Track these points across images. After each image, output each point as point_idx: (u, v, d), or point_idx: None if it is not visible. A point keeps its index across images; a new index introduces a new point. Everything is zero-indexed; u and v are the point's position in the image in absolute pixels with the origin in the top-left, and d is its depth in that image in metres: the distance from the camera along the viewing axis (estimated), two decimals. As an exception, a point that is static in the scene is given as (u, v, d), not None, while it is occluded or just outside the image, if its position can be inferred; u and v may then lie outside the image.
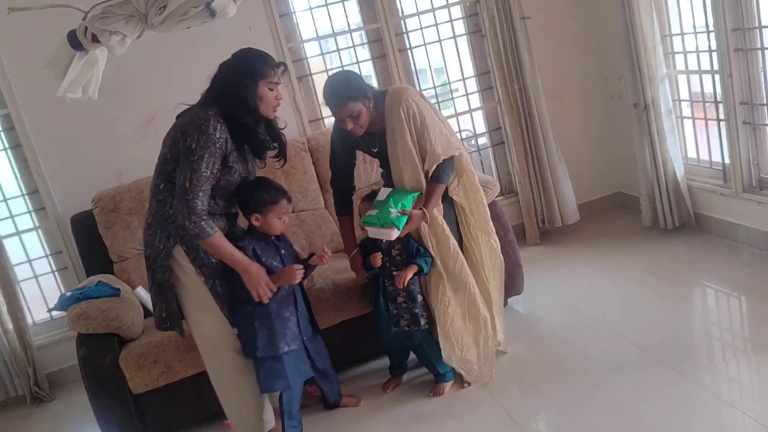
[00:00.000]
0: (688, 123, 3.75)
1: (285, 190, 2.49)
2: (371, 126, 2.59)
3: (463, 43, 4.11)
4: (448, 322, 2.64)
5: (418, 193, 2.59)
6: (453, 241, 2.63)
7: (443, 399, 2.72)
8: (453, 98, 4.19)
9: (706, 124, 3.62)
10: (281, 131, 2.52)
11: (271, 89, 2.34)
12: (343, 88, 2.51)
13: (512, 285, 3.21)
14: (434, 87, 4.22)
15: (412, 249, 2.65)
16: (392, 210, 2.49)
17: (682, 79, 3.72)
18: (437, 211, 2.63)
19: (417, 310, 2.66)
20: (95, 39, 1.99)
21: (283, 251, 2.49)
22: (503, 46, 3.85)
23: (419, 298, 2.68)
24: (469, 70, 4.14)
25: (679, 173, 3.67)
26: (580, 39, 4.14)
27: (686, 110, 3.74)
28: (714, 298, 3.21)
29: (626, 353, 2.72)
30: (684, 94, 3.74)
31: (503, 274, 2.89)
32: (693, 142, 3.76)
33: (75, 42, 2.06)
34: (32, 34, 3.23)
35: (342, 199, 2.85)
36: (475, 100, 4.17)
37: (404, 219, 2.52)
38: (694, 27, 3.48)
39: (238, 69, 2.31)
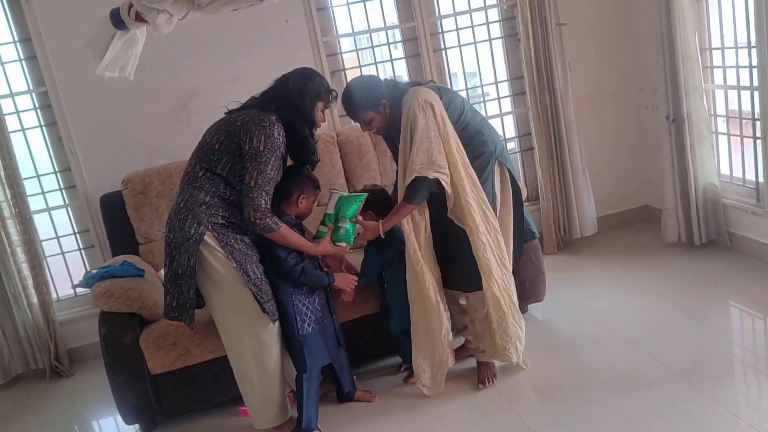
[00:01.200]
0: (722, 139, 3.69)
1: (317, 180, 2.67)
2: (397, 122, 2.61)
3: (498, 46, 4.09)
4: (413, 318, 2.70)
5: (365, 195, 2.64)
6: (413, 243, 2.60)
7: (458, 401, 2.71)
8: (484, 101, 4.17)
9: (742, 141, 3.56)
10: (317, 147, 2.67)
11: (321, 111, 2.54)
12: (355, 99, 2.60)
13: (534, 292, 3.19)
14: (466, 89, 4.20)
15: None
16: (341, 225, 2.55)
17: (719, 94, 3.66)
18: (419, 215, 2.61)
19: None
20: (138, 18, 2.02)
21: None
22: (536, 52, 3.83)
23: None
24: (503, 73, 4.12)
25: (712, 189, 3.61)
26: (617, 47, 4.09)
27: (722, 126, 3.68)
28: (739, 317, 3.16)
29: (645, 367, 2.68)
30: (720, 110, 3.68)
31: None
32: (727, 158, 3.70)
33: (117, 20, 2.09)
34: (73, 12, 3.29)
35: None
36: (507, 105, 4.15)
37: (351, 229, 2.56)
38: (736, 42, 3.42)
39: (303, 86, 2.47)
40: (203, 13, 2.03)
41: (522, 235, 2.85)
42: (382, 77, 2.75)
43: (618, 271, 3.68)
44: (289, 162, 2.61)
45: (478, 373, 2.80)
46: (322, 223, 2.61)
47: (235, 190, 2.41)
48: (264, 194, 2.34)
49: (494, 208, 2.66)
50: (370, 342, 2.99)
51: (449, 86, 3.92)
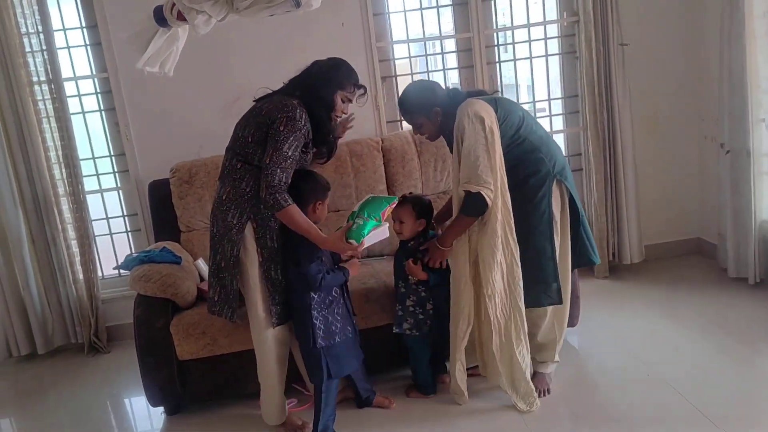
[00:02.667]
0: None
1: (329, 184, 2.63)
2: (450, 130, 2.58)
3: (554, 63, 4.01)
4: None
5: (395, 198, 2.59)
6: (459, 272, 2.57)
7: (478, 422, 2.65)
8: (536, 118, 4.08)
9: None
10: (336, 138, 2.66)
11: (343, 101, 2.52)
12: (408, 102, 2.62)
13: (568, 316, 3.10)
14: (519, 103, 4.13)
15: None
16: (357, 221, 2.43)
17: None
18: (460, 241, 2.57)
19: (422, 317, 2.71)
20: (180, 17, 2.08)
21: None
22: (597, 71, 3.73)
23: (428, 305, 2.71)
24: (557, 91, 4.04)
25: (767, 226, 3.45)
26: (681, 73, 3.95)
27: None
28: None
29: (675, 407, 2.57)
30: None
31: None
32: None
33: (160, 17, 2.15)
34: (138, 3, 3.40)
35: None
36: (558, 123, 4.07)
37: (367, 227, 2.40)
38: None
39: (327, 72, 2.49)
40: (241, 16, 2.07)
41: (575, 255, 2.75)
42: (444, 85, 2.71)
43: (662, 303, 3.54)
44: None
45: (532, 381, 2.78)
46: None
47: None
48: (278, 171, 2.32)
49: (552, 231, 2.58)
50: (387, 352, 2.96)
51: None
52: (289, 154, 2.34)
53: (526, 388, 2.65)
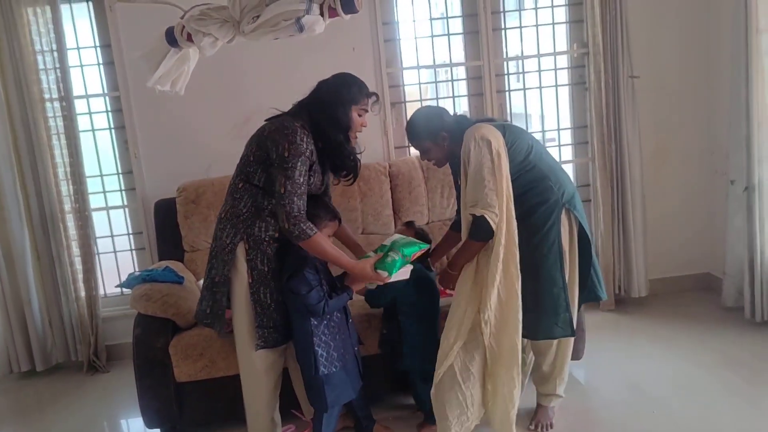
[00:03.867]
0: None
1: (338, 213, 2.57)
2: (458, 156, 2.55)
3: (564, 93, 4.01)
4: None
5: (426, 246, 2.58)
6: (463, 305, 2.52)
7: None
8: (545, 146, 4.08)
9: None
10: (358, 154, 2.59)
11: (360, 115, 2.47)
12: (415, 127, 2.62)
13: (573, 349, 3.04)
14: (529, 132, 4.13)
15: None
16: (391, 255, 2.45)
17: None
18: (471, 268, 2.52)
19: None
20: (190, 38, 2.10)
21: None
22: (606, 103, 3.73)
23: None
24: (566, 121, 4.04)
25: (774, 263, 3.41)
26: (691, 106, 3.94)
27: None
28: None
29: (681, 447, 2.52)
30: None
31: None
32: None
33: (171, 38, 2.19)
34: (151, 24, 3.43)
35: (459, 216, 2.78)
36: (567, 153, 4.06)
37: (398, 263, 2.44)
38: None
39: (336, 90, 2.45)
40: (247, 39, 2.09)
41: (584, 290, 2.69)
42: (453, 112, 2.71)
43: (669, 338, 3.49)
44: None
45: (534, 414, 2.78)
46: (374, 251, 2.56)
47: (273, 200, 2.40)
48: (296, 200, 2.30)
49: (563, 261, 2.54)
50: (384, 379, 2.93)
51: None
52: (301, 180, 2.33)
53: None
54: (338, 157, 2.49)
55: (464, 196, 2.50)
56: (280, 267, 2.44)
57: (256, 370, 2.50)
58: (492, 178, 2.40)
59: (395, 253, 2.46)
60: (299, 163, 2.31)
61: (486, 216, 2.39)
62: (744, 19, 3.31)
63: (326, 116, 2.41)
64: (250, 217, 2.41)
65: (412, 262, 2.53)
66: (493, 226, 2.41)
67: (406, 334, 2.68)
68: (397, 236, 2.59)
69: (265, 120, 2.53)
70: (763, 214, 3.39)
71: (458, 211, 2.78)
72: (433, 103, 4.00)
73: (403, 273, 2.49)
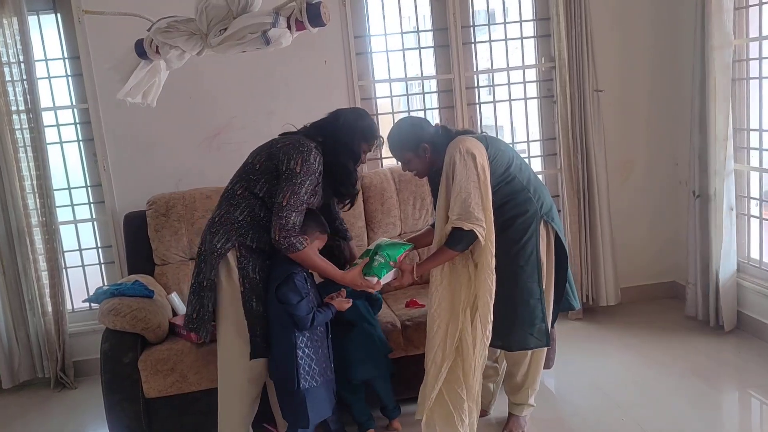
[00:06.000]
0: (755, 222, 3.58)
1: (327, 227, 2.57)
2: (439, 167, 2.58)
3: (533, 106, 4.09)
4: None
5: (410, 246, 2.62)
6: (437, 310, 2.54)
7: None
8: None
9: (773, 226, 3.45)
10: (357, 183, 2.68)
11: (364, 152, 2.60)
12: (397, 138, 2.62)
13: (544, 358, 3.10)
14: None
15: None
16: (377, 259, 2.51)
17: (754, 176, 3.57)
18: (441, 272, 2.54)
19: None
20: (159, 51, 2.10)
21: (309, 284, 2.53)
22: (572, 116, 3.81)
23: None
24: (535, 133, 4.11)
25: (729, 272, 3.51)
26: (655, 119, 4.04)
27: (754, 209, 3.58)
28: (758, 411, 3.00)
29: (649, 453, 2.56)
30: (755, 192, 3.57)
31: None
32: (757, 242, 3.58)
33: (141, 51, 2.18)
34: (120, 37, 3.40)
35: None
36: (536, 165, 4.12)
37: (386, 267, 2.50)
38: (774, 125, 3.35)
39: (354, 124, 2.55)
40: (214, 52, 2.10)
41: (560, 302, 2.73)
42: (434, 123, 2.72)
43: (637, 346, 3.55)
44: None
45: (507, 423, 2.82)
46: (360, 257, 2.59)
47: (270, 213, 2.41)
48: (294, 215, 2.34)
49: (540, 272, 2.57)
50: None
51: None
52: (305, 198, 2.38)
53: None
54: (343, 184, 2.57)
55: (442, 206, 2.51)
56: (268, 276, 2.45)
57: (239, 380, 2.48)
58: (477, 192, 2.42)
59: (381, 257, 2.50)
60: (308, 182, 2.37)
61: (475, 230, 2.41)
62: (701, 35, 3.42)
63: (342, 144, 2.51)
64: (245, 226, 2.42)
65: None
66: (482, 240, 2.43)
67: (359, 345, 2.68)
68: (381, 239, 2.63)
69: (279, 135, 2.57)
70: (718, 224, 3.49)
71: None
72: (405, 116, 4.04)
73: (390, 276, 2.53)
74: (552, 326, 2.73)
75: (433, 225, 2.76)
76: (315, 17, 2.01)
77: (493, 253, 2.46)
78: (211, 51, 2.09)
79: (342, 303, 2.54)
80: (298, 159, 2.37)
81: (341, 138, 2.50)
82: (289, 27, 2.03)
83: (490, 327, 2.48)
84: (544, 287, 2.59)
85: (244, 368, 2.47)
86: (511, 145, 2.82)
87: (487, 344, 2.51)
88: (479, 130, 3.99)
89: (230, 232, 2.42)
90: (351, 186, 2.59)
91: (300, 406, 2.42)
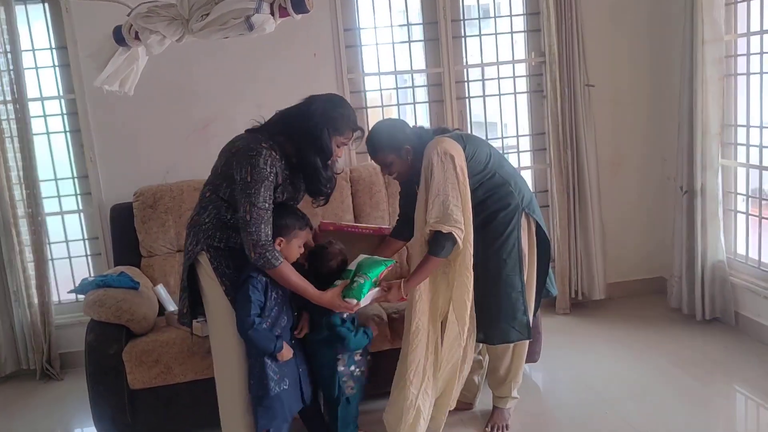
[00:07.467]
0: (742, 218, 3.60)
1: (309, 220, 2.50)
2: (418, 169, 2.54)
3: (523, 100, 4.08)
4: None
5: (392, 262, 2.56)
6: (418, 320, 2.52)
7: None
8: (504, 153, 4.14)
9: (760, 222, 3.46)
10: (335, 175, 2.53)
11: (338, 146, 2.40)
12: (378, 140, 2.53)
13: (529, 352, 3.09)
14: (486, 139, 4.19)
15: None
16: (357, 280, 2.39)
17: (741, 172, 3.58)
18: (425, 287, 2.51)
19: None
20: (138, 37, 2.08)
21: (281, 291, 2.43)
22: (562, 111, 3.81)
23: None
24: (525, 128, 4.11)
25: (720, 266, 3.53)
26: (645, 115, 4.05)
27: (741, 205, 3.59)
28: (743, 405, 3.02)
29: (633, 446, 2.58)
30: (741, 188, 3.59)
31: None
32: (744, 238, 3.59)
33: (119, 37, 2.16)
34: (108, 26, 3.40)
35: (399, 223, 2.81)
36: (526, 159, 4.12)
37: (366, 287, 2.39)
38: (761, 121, 3.36)
39: (324, 113, 2.35)
40: (196, 37, 2.07)
41: (542, 292, 2.75)
42: (410, 123, 2.67)
43: (623, 340, 3.56)
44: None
45: (491, 416, 2.82)
46: (339, 277, 2.46)
47: (236, 213, 2.34)
48: (262, 227, 2.24)
49: (522, 265, 2.57)
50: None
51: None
52: (267, 206, 2.25)
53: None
54: (312, 182, 2.42)
55: (421, 210, 2.48)
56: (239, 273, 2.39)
57: (236, 376, 2.42)
58: (456, 194, 2.40)
59: (361, 277, 2.40)
60: (262, 189, 2.24)
61: (453, 233, 2.38)
62: (690, 30, 3.42)
63: (308, 137, 2.33)
64: (212, 228, 2.38)
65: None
66: (460, 243, 2.42)
67: (325, 365, 2.57)
68: (361, 257, 2.52)
69: (245, 130, 2.44)
70: (705, 219, 3.50)
71: (398, 220, 2.81)
72: (395, 109, 4.03)
73: (373, 295, 2.44)
74: (535, 315, 2.75)
75: (393, 233, 2.78)
76: (299, 3, 1.98)
77: (472, 253, 2.46)
78: (192, 37, 2.06)
79: (284, 354, 2.36)
80: (248, 167, 2.23)
81: (310, 131, 2.32)
82: (272, 13, 2.00)
83: (467, 328, 2.49)
84: (525, 280, 2.60)
85: (239, 363, 2.42)
86: (490, 142, 2.79)
87: (463, 345, 2.52)
88: (469, 125, 4.00)
89: (198, 234, 2.38)
90: (320, 184, 2.42)
91: (269, 409, 2.36)
